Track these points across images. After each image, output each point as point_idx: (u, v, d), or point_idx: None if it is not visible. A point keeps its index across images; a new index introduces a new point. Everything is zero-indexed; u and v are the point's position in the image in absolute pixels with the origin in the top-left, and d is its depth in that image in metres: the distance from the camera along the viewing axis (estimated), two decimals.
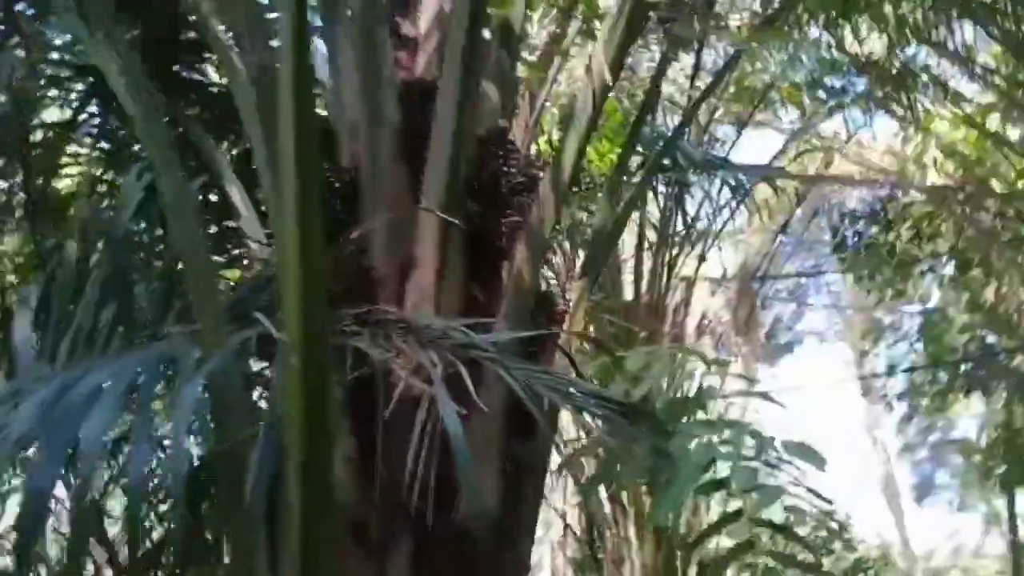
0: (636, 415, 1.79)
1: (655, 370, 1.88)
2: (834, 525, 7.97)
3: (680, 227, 8.93)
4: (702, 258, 9.51)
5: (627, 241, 9.08)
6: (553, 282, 3.55)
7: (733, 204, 9.38)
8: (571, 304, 2.39)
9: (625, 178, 4.64)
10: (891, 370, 9.00)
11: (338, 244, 2.06)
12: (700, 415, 1.78)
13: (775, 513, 1.63)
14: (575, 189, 3.81)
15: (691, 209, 9.06)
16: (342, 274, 2.00)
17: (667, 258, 8.70)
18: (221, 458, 1.74)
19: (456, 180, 2.04)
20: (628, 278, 8.89)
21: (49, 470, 1.50)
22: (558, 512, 8.14)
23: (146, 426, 1.69)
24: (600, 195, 2.67)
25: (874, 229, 8.43)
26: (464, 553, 1.83)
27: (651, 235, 9.06)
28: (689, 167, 3.86)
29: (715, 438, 1.68)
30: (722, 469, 1.64)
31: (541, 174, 2.22)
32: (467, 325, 1.95)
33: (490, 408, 1.83)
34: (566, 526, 8.48)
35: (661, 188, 8.09)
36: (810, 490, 1.53)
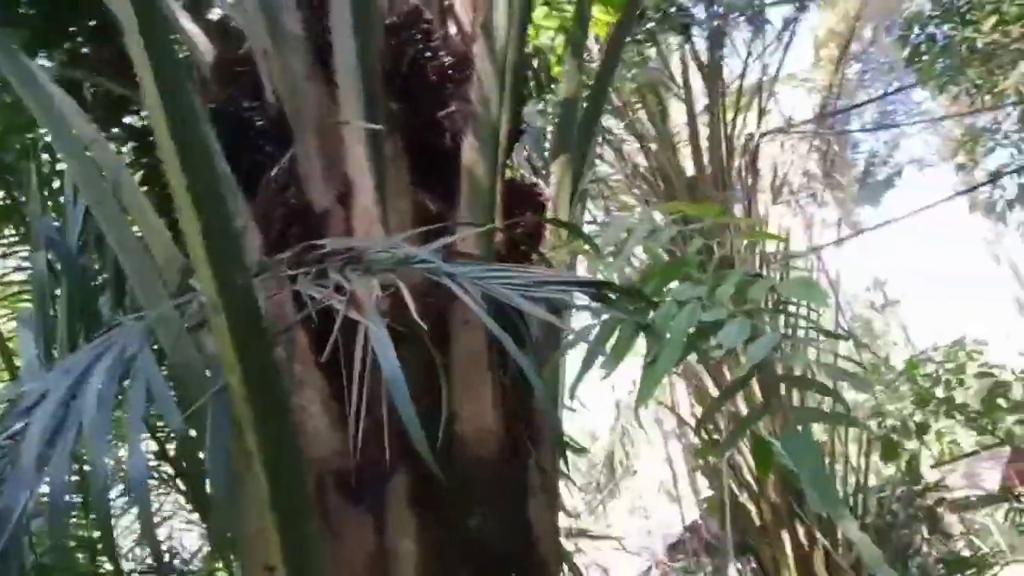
0: (618, 293, 1.54)
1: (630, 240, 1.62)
2: (962, 355, 7.42)
3: (729, 82, 8.29)
4: (762, 111, 8.82)
5: (677, 111, 8.51)
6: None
7: (783, 40, 8.59)
8: (552, 188, 2.12)
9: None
10: (995, 176, 8.12)
11: (267, 186, 1.87)
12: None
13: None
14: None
15: (738, 59, 8.36)
16: (278, 217, 1.82)
17: (723, 119, 8.11)
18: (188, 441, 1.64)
19: (370, 81, 1.79)
20: (686, 152, 8.37)
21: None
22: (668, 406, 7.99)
23: (104, 429, 1.59)
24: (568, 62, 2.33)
25: (947, 27, 7.46)
26: (470, 476, 1.68)
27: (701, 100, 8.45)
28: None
29: (702, 296, 1.42)
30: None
31: (474, 48, 1.93)
32: (419, 237, 1.76)
33: (474, 319, 1.64)
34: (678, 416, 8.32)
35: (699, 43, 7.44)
36: (823, 331, 1.25)
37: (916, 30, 8.34)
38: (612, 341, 1.49)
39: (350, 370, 1.49)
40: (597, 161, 7.55)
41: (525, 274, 1.55)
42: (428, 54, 1.86)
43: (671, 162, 8.18)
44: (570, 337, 1.70)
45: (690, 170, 8.14)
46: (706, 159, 8.04)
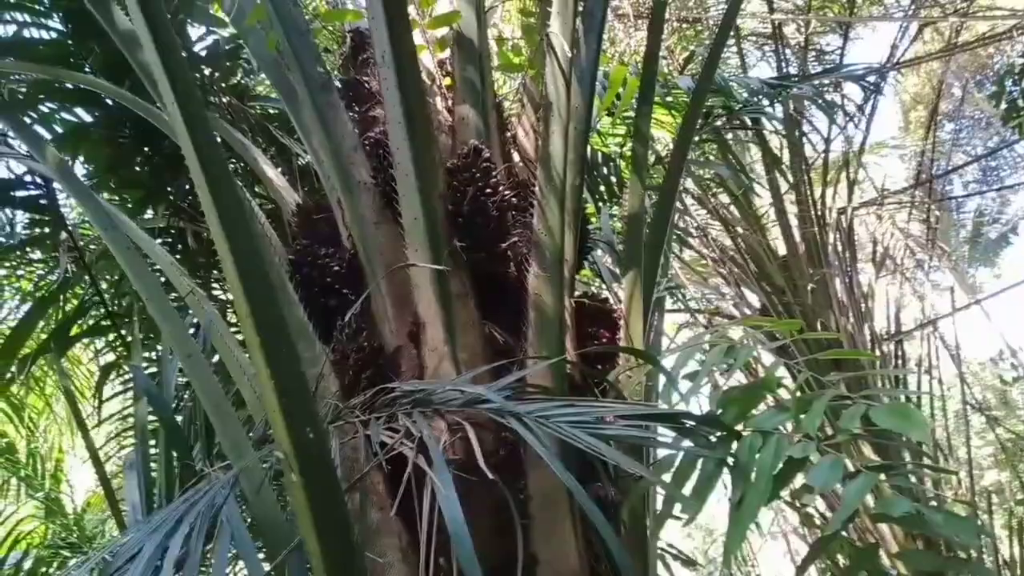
0: (696, 422, 1.46)
1: (701, 364, 1.54)
2: None
3: (813, 159, 8.14)
4: (852, 183, 8.57)
5: (761, 190, 8.37)
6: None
7: (865, 113, 8.41)
8: (624, 304, 2.07)
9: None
10: None
11: (342, 330, 1.92)
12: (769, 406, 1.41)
13: None
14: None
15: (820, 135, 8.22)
16: (353, 360, 1.85)
17: (810, 196, 7.93)
18: None
19: (433, 222, 1.84)
20: (776, 232, 8.16)
21: None
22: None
23: None
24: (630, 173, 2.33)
25: None
26: None
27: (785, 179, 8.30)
28: (752, 94, 3.38)
29: (788, 427, 1.32)
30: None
31: (532, 180, 1.96)
32: (488, 373, 1.74)
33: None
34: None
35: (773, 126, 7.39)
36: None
37: (1009, 84, 8.02)
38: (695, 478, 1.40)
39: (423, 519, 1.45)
40: (683, 248, 7.46)
41: (596, 408, 1.50)
42: (488, 190, 1.90)
43: (760, 243, 7.98)
44: (650, 468, 1.61)
45: (782, 249, 7.92)
46: (797, 237, 7.83)
